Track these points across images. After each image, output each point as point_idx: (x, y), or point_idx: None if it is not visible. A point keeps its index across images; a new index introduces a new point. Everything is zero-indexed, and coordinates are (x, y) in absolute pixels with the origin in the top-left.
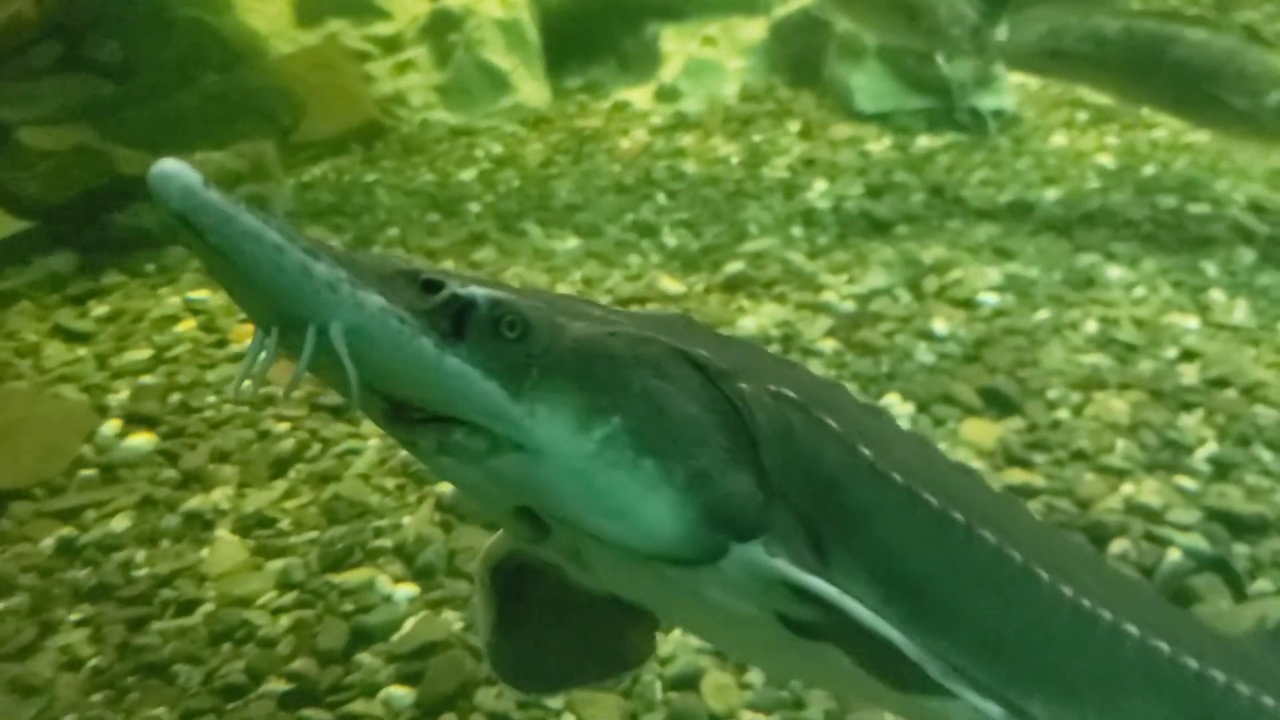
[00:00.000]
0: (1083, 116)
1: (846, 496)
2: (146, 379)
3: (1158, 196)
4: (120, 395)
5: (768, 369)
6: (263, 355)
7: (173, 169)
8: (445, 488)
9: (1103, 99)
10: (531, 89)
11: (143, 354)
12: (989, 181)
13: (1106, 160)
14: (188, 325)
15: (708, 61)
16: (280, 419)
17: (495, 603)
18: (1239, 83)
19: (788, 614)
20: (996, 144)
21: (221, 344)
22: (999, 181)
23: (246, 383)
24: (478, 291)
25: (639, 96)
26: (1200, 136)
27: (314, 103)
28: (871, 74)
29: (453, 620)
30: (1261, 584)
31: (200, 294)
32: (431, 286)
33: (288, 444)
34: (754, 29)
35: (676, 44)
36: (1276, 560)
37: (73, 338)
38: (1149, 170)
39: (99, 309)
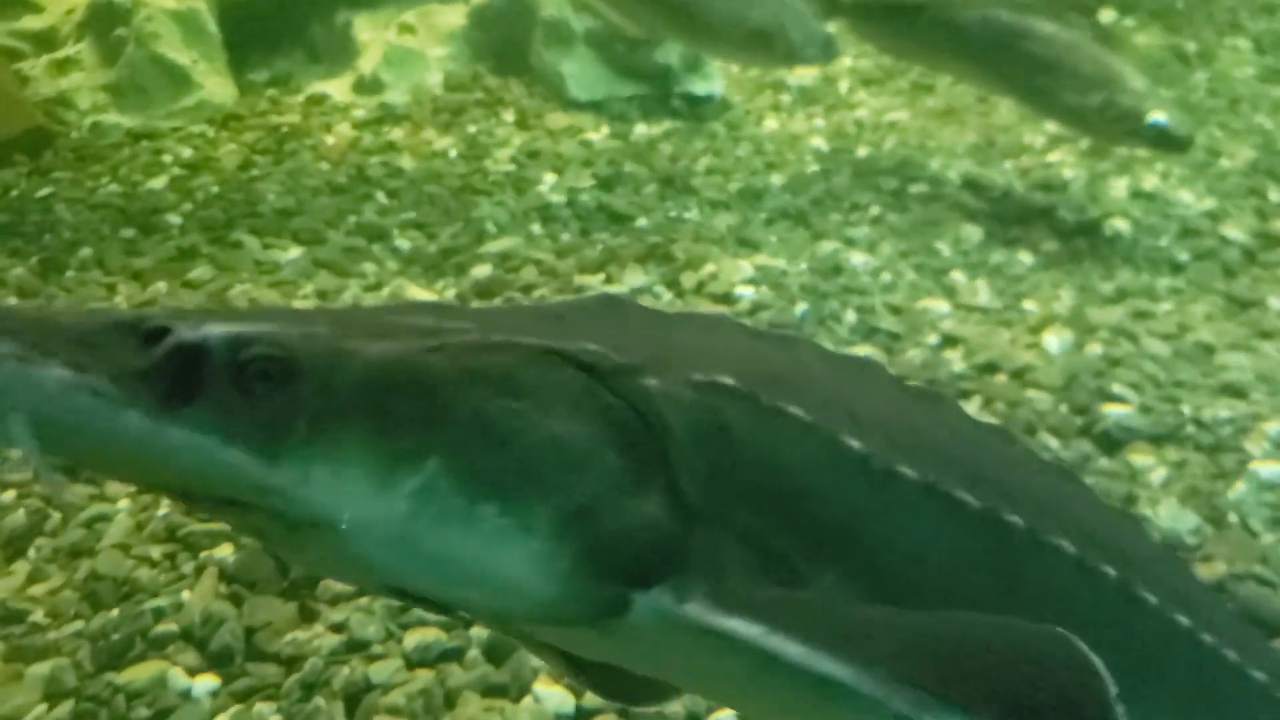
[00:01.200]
0: (787, 99)
1: (825, 503)
2: None
3: (878, 178)
4: None
5: (713, 351)
6: None
7: None
8: (224, 552)
9: (804, 79)
10: (215, 85)
11: None
12: (715, 169)
13: (820, 143)
14: None
15: (409, 50)
16: (4, 485)
17: (547, 646)
18: (1071, 80)
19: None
20: (714, 130)
21: None
22: (725, 169)
23: None
24: (214, 331)
25: (336, 89)
26: (901, 115)
27: None
28: (582, 61)
29: (268, 713)
30: None
31: None
32: (153, 337)
33: (18, 517)
34: (452, 15)
35: (372, 33)
36: None
37: None
38: (862, 152)
39: None
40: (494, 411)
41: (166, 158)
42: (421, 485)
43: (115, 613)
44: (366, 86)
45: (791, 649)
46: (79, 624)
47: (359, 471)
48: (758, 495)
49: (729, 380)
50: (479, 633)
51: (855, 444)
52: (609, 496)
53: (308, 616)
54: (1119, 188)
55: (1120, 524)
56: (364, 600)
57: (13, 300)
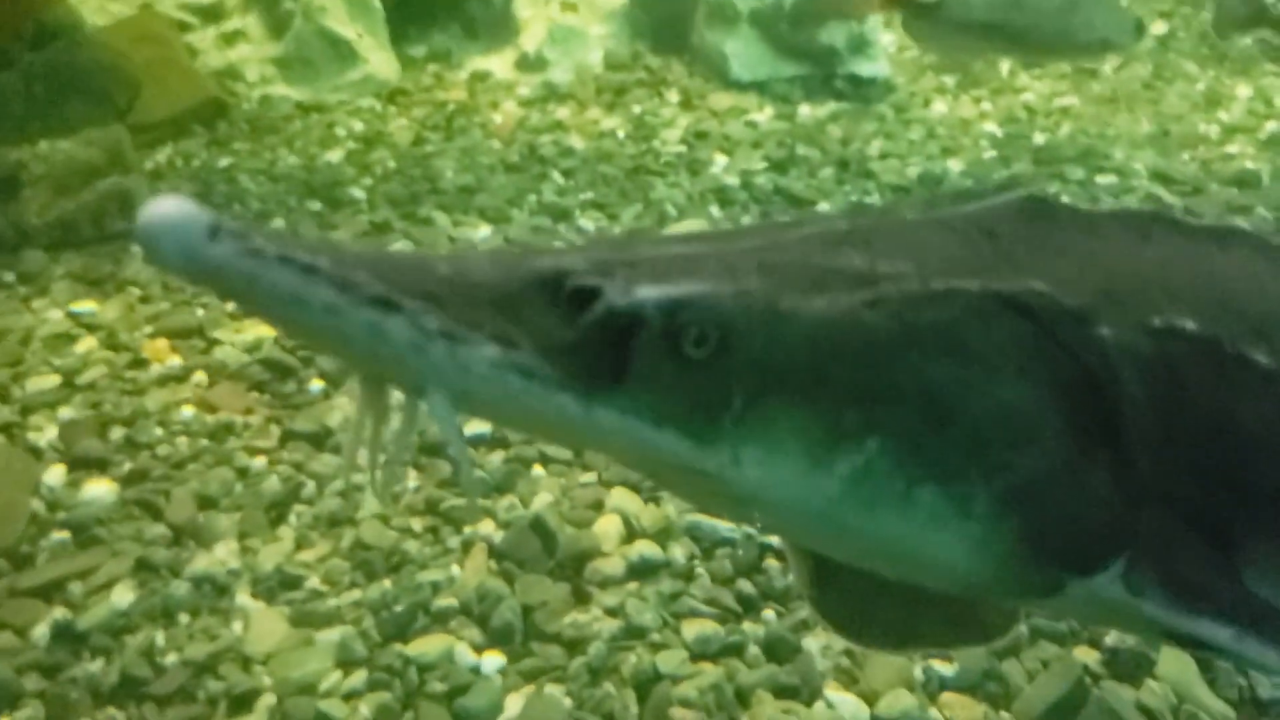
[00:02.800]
0: (950, 81)
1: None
2: (67, 412)
3: (1062, 167)
4: (48, 434)
5: (1164, 276)
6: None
7: (168, 215)
8: (488, 529)
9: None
10: (380, 60)
11: (49, 382)
12: (889, 153)
13: (993, 128)
14: (88, 344)
15: (571, 28)
16: (252, 451)
17: (808, 556)
18: None
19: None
20: (881, 113)
21: (138, 363)
22: (899, 153)
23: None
24: (648, 297)
25: (498, 65)
26: (1071, 101)
27: (147, 80)
28: (745, 40)
29: (560, 696)
30: None
31: (85, 305)
32: (580, 299)
33: (273, 483)
34: None
35: (532, 10)
36: None
37: None
38: (1039, 139)
39: None
40: (938, 381)
41: (340, 131)
42: (859, 467)
43: (389, 583)
44: (530, 64)
45: (1269, 658)
46: (357, 593)
47: (793, 453)
48: (1212, 464)
49: (1190, 324)
50: (754, 629)
51: None
52: (1054, 474)
53: (581, 599)
54: None
55: None
56: (634, 585)
57: None
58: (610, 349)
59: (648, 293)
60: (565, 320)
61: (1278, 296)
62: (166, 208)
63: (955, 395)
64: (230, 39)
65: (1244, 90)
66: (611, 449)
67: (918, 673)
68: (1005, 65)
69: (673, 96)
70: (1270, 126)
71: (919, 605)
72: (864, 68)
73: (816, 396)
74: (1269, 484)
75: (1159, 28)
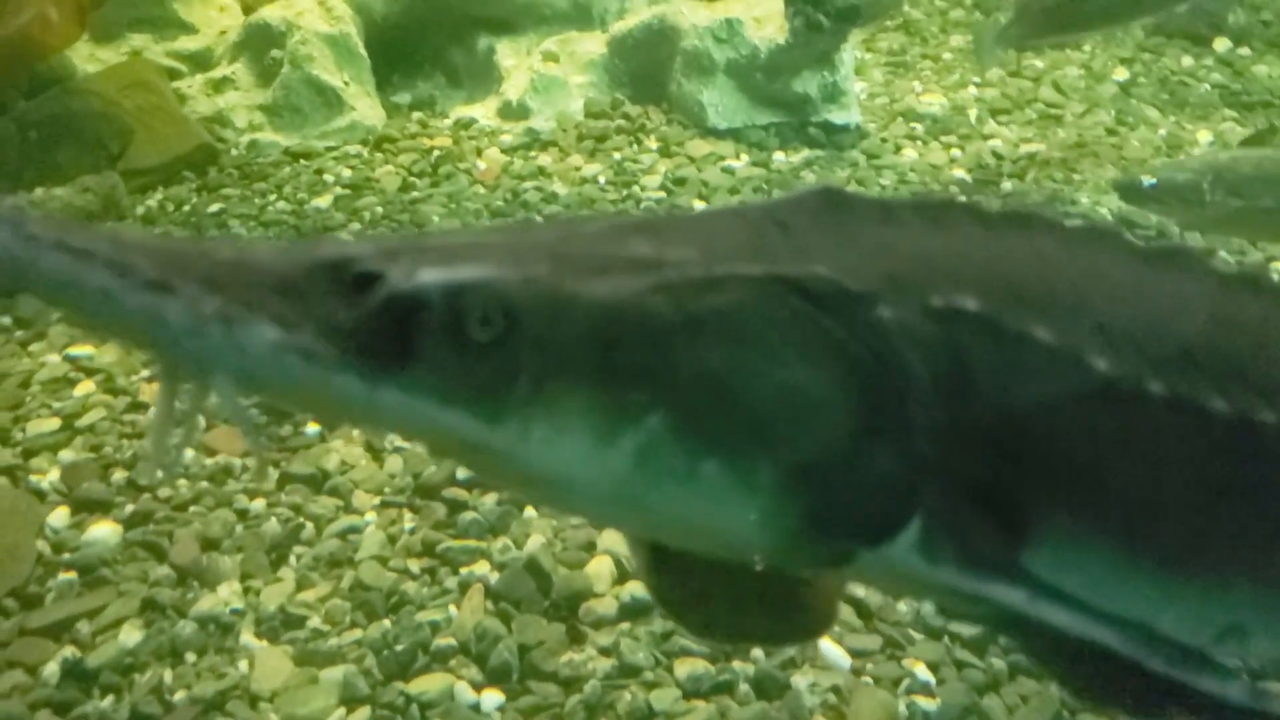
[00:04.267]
0: (919, 128)
1: (1063, 442)
2: (68, 455)
3: None
4: (50, 477)
5: (949, 258)
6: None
7: None
8: (483, 569)
9: (933, 109)
10: (366, 107)
11: (49, 425)
12: None
13: (963, 174)
14: (86, 388)
15: (552, 78)
16: (251, 493)
17: (644, 545)
18: None
19: (964, 609)
20: (854, 159)
21: (137, 406)
22: None
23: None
24: (430, 280)
25: (482, 113)
26: (1037, 147)
27: (138, 127)
28: (721, 90)
29: None
30: None
31: (82, 350)
32: (362, 283)
33: (273, 525)
34: (592, 44)
35: (514, 59)
36: None
37: None
38: (1007, 184)
39: None
40: (719, 361)
41: (328, 177)
42: (643, 443)
43: (389, 623)
44: (513, 112)
45: (1056, 616)
46: (358, 632)
47: (579, 430)
48: (996, 439)
49: (971, 305)
50: (744, 667)
51: (1101, 365)
52: (837, 451)
53: (576, 638)
54: None
55: None
56: (627, 625)
57: None
58: (394, 332)
59: (430, 276)
60: (350, 305)
61: (1065, 276)
62: None
63: (736, 375)
64: (219, 86)
65: (1204, 135)
66: (399, 429)
67: (902, 708)
68: (973, 112)
69: (652, 144)
70: None
71: (746, 601)
72: (836, 115)
73: (601, 377)
74: (1054, 461)
75: (1121, 74)
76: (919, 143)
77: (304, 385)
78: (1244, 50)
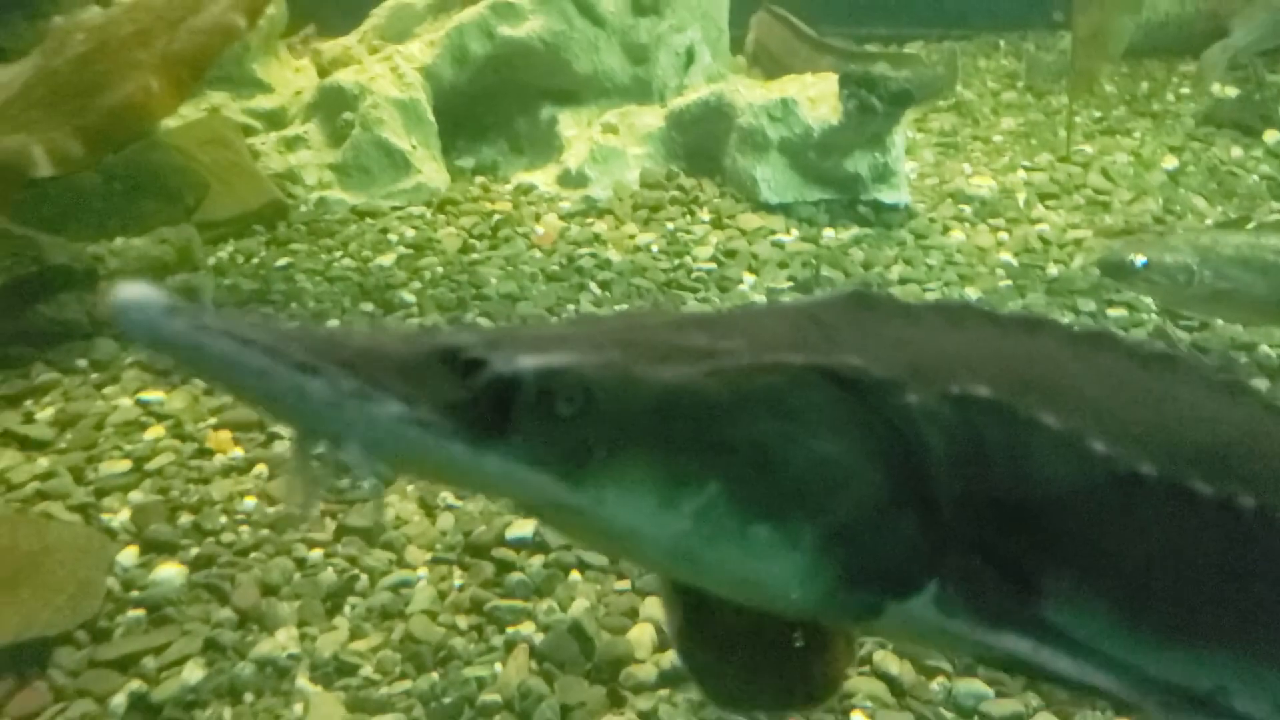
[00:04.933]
0: (968, 210)
1: (1067, 514)
2: (138, 495)
3: (1075, 299)
4: (120, 516)
5: (966, 354)
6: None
7: (132, 298)
8: (529, 629)
9: (982, 191)
10: (431, 170)
11: (119, 466)
12: (908, 278)
13: (1008, 257)
14: (156, 432)
15: (611, 149)
16: (310, 544)
17: (679, 607)
18: None
19: (982, 656)
20: (901, 238)
21: (203, 453)
22: (918, 279)
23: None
24: (526, 366)
25: (541, 180)
26: (1084, 234)
27: (213, 181)
28: (774, 166)
29: None
30: None
31: (153, 394)
32: (470, 368)
33: (329, 574)
34: (651, 117)
35: (575, 129)
36: None
37: (28, 445)
38: (1053, 269)
39: (43, 412)
40: (766, 436)
41: (392, 236)
42: (701, 506)
43: (436, 676)
44: (572, 180)
45: (1065, 667)
46: (407, 683)
47: (646, 493)
48: (1007, 510)
49: (984, 392)
50: None
51: (1099, 447)
52: (869, 517)
53: (616, 701)
54: None
55: None
56: (666, 692)
57: None
58: (495, 408)
59: (526, 362)
60: (459, 385)
61: (1068, 371)
62: (133, 291)
63: (781, 450)
64: (291, 144)
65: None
66: (498, 490)
67: None
68: (1021, 196)
69: (704, 215)
70: None
71: (760, 671)
72: (886, 195)
73: (664, 448)
74: (1057, 529)
75: (1170, 162)
76: (967, 224)
77: (421, 452)
78: None
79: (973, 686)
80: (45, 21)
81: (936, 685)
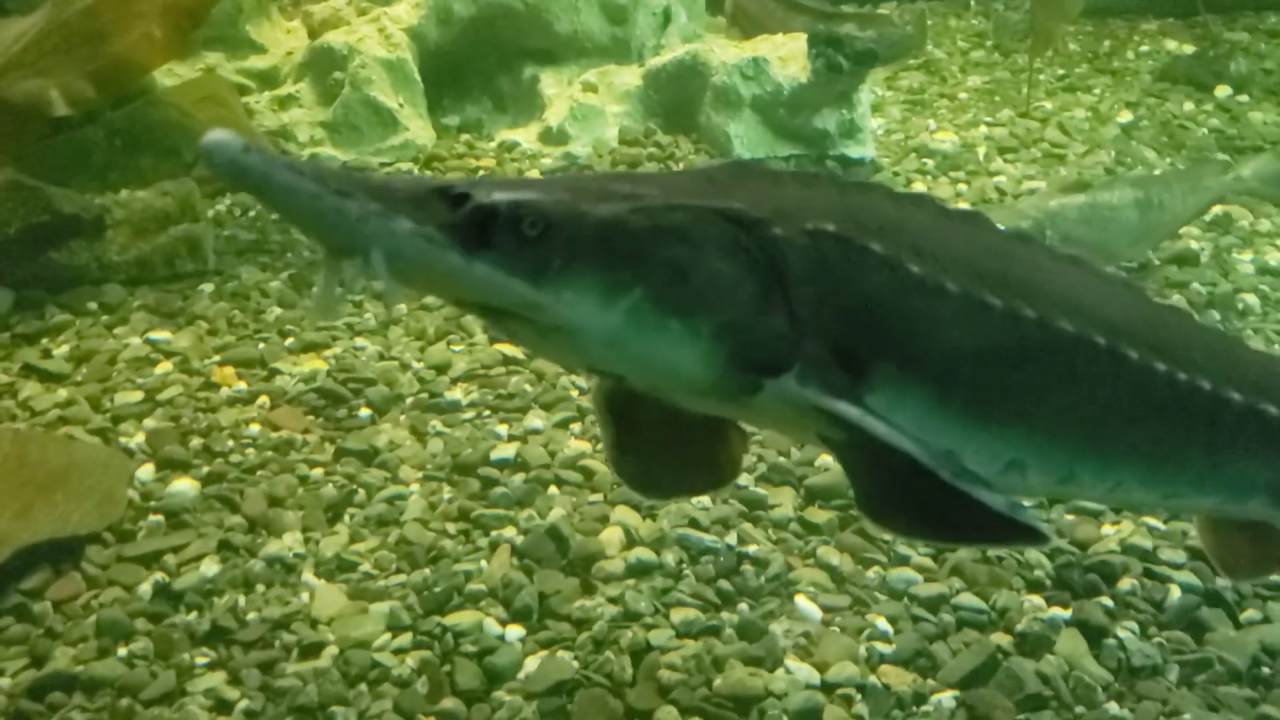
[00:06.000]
0: (930, 164)
1: (889, 316)
2: (151, 422)
3: None
4: (136, 439)
5: (819, 205)
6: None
7: (220, 139)
8: (510, 533)
9: (944, 145)
10: (418, 127)
11: (133, 396)
12: None
13: (965, 207)
14: (165, 368)
15: (591, 107)
16: (311, 464)
17: (611, 425)
18: None
19: (823, 433)
20: None
21: (209, 386)
22: None
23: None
24: (500, 198)
25: (524, 137)
26: (1038, 184)
27: None
28: (747, 123)
29: (570, 660)
30: (1250, 613)
31: (160, 334)
32: (460, 200)
33: (330, 490)
34: (628, 76)
35: (556, 88)
36: (1256, 591)
37: (48, 378)
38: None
39: (59, 349)
40: (676, 255)
41: None
42: (630, 306)
43: (429, 571)
44: (553, 137)
45: (875, 426)
46: (402, 577)
47: (591, 295)
48: (843, 313)
49: (829, 228)
50: (730, 616)
51: (914, 269)
52: (749, 314)
53: (588, 589)
54: (1245, 263)
55: (1125, 298)
56: (632, 581)
57: (276, 309)
58: (480, 229)
59: (500, 195)
60: (452, 213)
61: (892, 218)
62: (219, 134)
63: (686, 265)
64: (284, 103)
65: None
66: (481, 292)
67: (862, 650)
68: (981, 150)
69: (679, 170)
70: (1215, 210)
71: (678, 464)
72: (853, 150)
73: (603, 263)
74: (881, 330)
75: (1125, 117)
76: (928, 177)
77: (426, 260)
78: (1243, 97)
79: (904, 574)
80: None
81: (872, 574)
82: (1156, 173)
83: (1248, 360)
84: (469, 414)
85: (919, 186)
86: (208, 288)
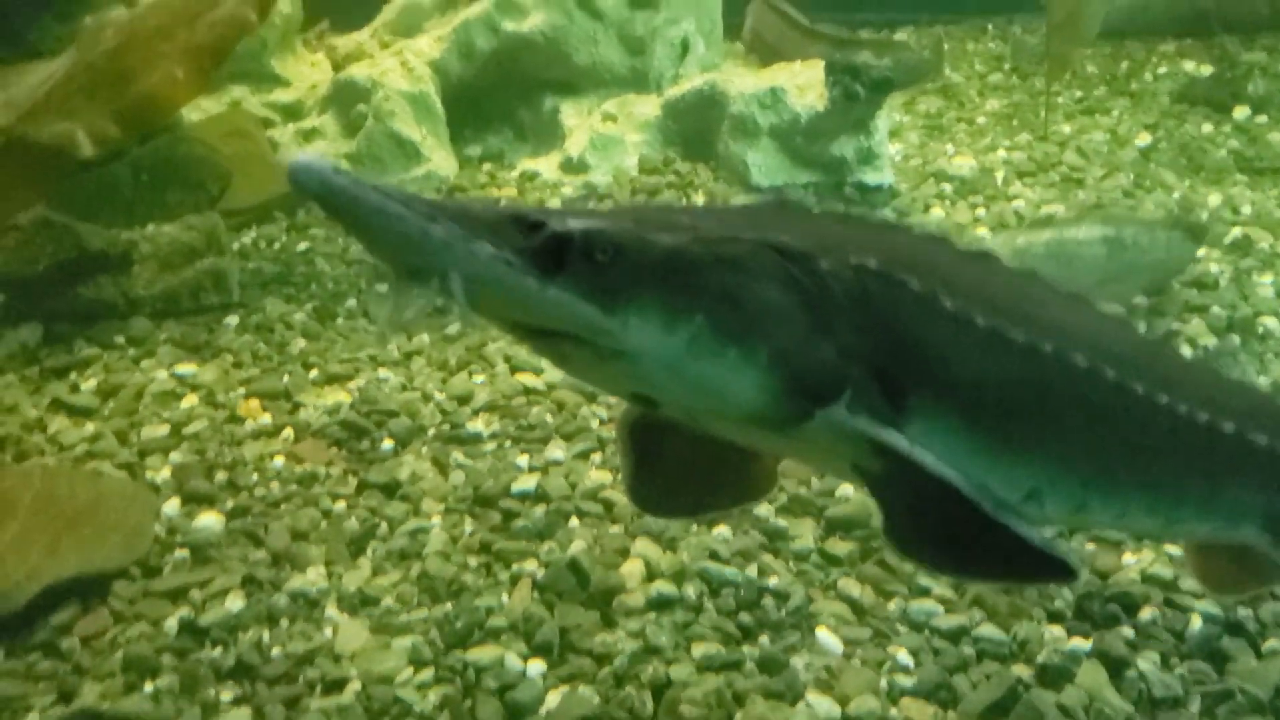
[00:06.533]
0: (949, 188)
1: (924, 346)
2: (177, 456)
3: None
4: (162, 474)
5: (856, 241)
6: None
7: (308, 162)
8: (532, 566)
9: (963, 170)
10: (440, 158)
11: (159, 430)
12: None
13: (985, 232)
14: (191, 401)
15: (610, 136)
16: (334, 497)
17: (633, 453)
18: None
19: (860, 464)
20: (886, 217)
21: (235, 419)
22: None
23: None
24: (574, 225)
25: (545, 167)
26: (1056, 208)
27: (236, 171)
28: (765, 151)
29: (591, 695)
30: (1272, 643)
31: (186, 368)
32: (535, 227)
33: (353, 524)
34: (647, 106)
35: (576, 119)
36: (1278, 620)
37: (75, 412)
38: (1021, 240)
39: (87, 383)
40: (733, 285)
41: None
42: (692, 333)
43: (450, 605)
44: (574, 166)
45: (916, 454)
46: (424, 611)
47: (656, 321)
48: (885, 343)
49: (871, 262)
50: (751, 650)
51: (946, 303)
52: (799, 343)
53: (609, 623)
54: (1265, 285)
55: (1124, 333)
56: (653, 615)
57: (301, 340)
58: (554, 256)
59: (574, 223)
60: (528, 239)
61: (921, 254)
62: (307, 156)
63: (743, 294)
64: (309, 135)
65: (1215, 198)
66: (552, 316)
67: (883, 683)
68: (1000, 174)
69: (698, 198)
70: (1234, 233)
71: (705, 485)
72: (870, 176)
73: (666, 290)
74: (918, 361)
75: (1144, 139)
76: (947, 202)
77: (504, 284)
78: (1262, 118)
79: (924, 605)
80: (74, 22)
81: (893, 605)
82: (1175, 195)
83: (1236, 393)
84: (490, 445)
85: (937, 211)
86: (233, 320)
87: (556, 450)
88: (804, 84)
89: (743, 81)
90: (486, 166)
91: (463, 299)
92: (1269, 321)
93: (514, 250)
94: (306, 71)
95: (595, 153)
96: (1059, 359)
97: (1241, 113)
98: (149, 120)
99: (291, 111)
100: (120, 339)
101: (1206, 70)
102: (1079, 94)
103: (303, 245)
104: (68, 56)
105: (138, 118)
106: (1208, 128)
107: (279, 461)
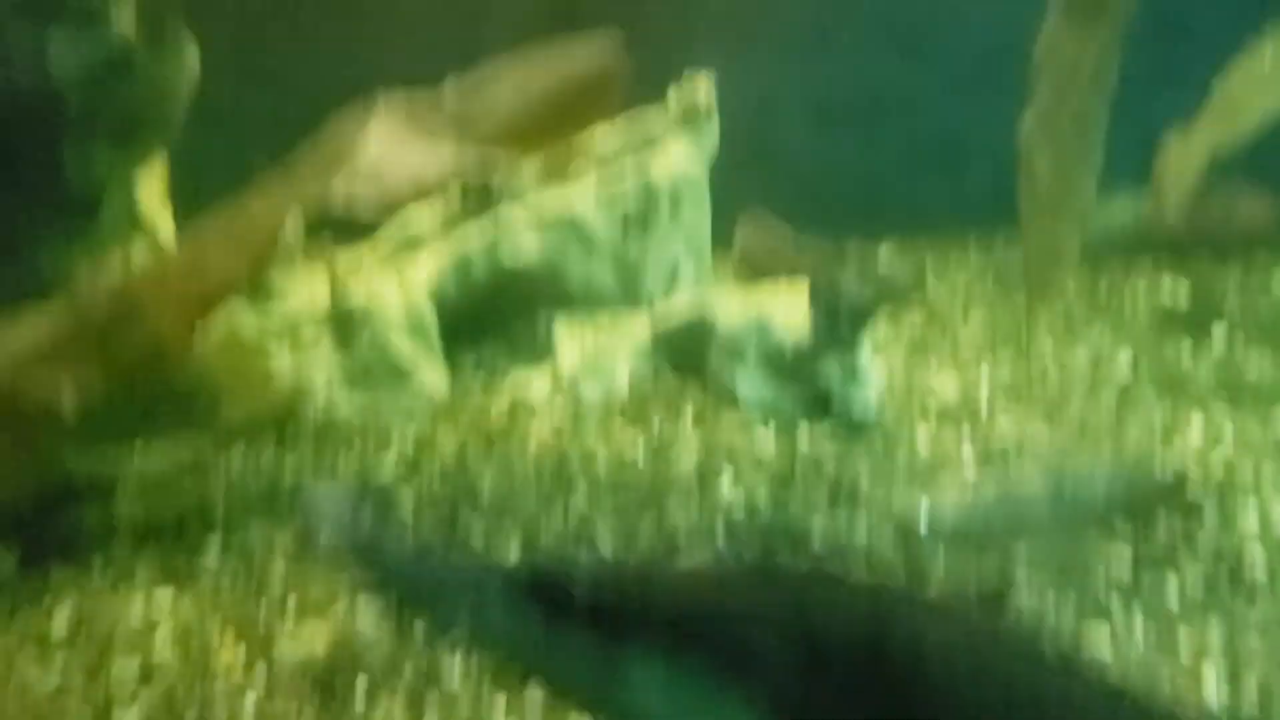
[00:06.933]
0: (932, 405)
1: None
2: (146, 695)
3: None
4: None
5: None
6: None
7: (328, 504)
8: None
9: (947, 388)
10: (434, 378)
11: (131, 664)
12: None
13: (968, 452)
14: (164, 632)
15: (601, 351)
16: None
17: None
18: None
19: None
20: (871, 439)
21: (208, 652)
22: (887, 473)
23: None
24: (577, 582)
25: (536, 383)
26: (1043, 427)
27: (229, 388)
28: (751, 372)
29: None
30: None
31: (163, 594)
32: (544, 581)
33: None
34: (639, 326)
35: (569, 335)
36: None
37: (46, 644)
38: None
39: (61, 612)
40: (735, 635)
41: (393, 439)
42: (692, 682)
43: None
44: (565, 383)
45: None
46: None
47: (658, 673)
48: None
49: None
50: None
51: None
52: (798, 689)
53: None
54: (1250, 511)
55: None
56: None
57: (281, 563)
58: (558, 609)
59: (576, 578)
60: (534, 592)
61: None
62: (329, 488)
63: (743, 646)
64: (303, 351)
65: (1197, 421)
66: (556, 669)
67: None
68: (984, 396)
69: (688, 414)
70: (1215, 455)
71: None
72: (855, 395)
73: (669, 644)
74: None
75: (1124, 357)
76: (930, 426)
77: (507, 635)
78: (1239, 335)
79: None
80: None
81: None
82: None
83: None
84: (467, 686)
85: (922, 435)
86: (214, 542)
87: (536, 689)
88: (789, 308)
89: (730, 307)
90: (478, 383)
91: (467, 641)
92: (1254, 548)
93: (519, 603)
94: (304, 285)
95: (586, 369)
96: None
97: (1219, 331)
98: (136, 374)
99: (287, 327)
100: (99, 561)
101: (1184, 288)
102: (1060, 309)
103: (291, 462)
104: (59, 306)
105: (125, 372)
106: (1186, 346)
107: (251, 698)
